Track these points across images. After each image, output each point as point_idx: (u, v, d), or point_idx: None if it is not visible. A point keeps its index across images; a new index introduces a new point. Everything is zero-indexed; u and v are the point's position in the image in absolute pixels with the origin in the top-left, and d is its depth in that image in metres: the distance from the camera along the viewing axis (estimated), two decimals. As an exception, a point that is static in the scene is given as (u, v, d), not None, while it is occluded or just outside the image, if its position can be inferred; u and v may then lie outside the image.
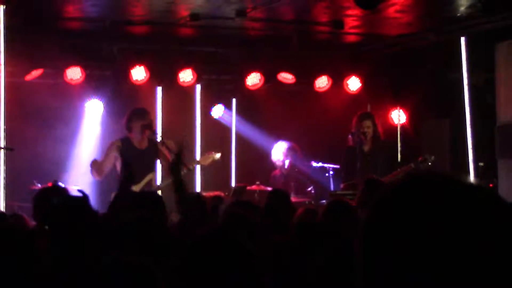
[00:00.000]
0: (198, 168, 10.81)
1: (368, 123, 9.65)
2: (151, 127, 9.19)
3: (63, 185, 8.57)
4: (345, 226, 4.94)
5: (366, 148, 9.63)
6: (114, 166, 9.03)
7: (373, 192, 1.37)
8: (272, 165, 10.52)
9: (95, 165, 8.94)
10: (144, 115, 9.15)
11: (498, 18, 9.36)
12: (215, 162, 9.51)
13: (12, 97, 8.82)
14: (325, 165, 10.16)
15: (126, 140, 9.14)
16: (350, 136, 9.64)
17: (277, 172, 10.45)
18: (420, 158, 9.40)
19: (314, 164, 10.24)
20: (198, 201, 6.09)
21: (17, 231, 3.14)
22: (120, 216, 4.82)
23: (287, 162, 10.38)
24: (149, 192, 8.07)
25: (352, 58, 11.51)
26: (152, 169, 9.18)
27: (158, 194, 5.92)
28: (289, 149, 10.38)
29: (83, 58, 10.28)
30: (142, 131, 9.11)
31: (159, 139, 9.10)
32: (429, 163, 9.27)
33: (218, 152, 9.48)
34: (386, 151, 9.77)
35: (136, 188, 8.86)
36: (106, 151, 9.27)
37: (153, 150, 9.14)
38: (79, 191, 4.60)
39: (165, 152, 8.90)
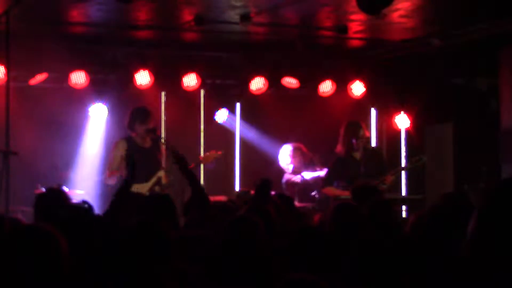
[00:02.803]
0: (202, 172, 10.83)
1: (364, 128, 9.70)
2: (155, 132, 9.21)
3: (67, 189, 8.61)
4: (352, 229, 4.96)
5: (357, 155, 9.59)
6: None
7: (364, 198, 1.42)
8: (280, 170, 10.51)
9: (114, 172, 9.04)
10: (147, 120, 9.14)
11: (501, 23, 9.35)
12: (217, 159, 9.60)
13: (16, 101, 8.82)
14: (329, 169, 10.13)
15: (130, 139, 9.17)
16: (354, 142, 9.56)
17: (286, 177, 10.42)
18: (414, 158, 9.69)
19: (318, 169, 10.23)
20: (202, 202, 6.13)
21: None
22: (123, 219, 4.82)
23: (290, 167, 10.37)
24: (160, 194, 8.09)
25: (356, 62, 11.51)
26: (159, 167, 9.19)
27: (169, 197, 5.90)
28: (295, 149, 10.39)
29: (87, 63, 10.29)
30: (145, 135, 9.14)
31: (163, 143, 9.14)
32: (423, 163, 9.58)
33: (219, 151, 9.60)
34: (376, 157, 9.76)
35: (146, 186, 8.91)
36: (112, 153, 9.29)
37: (157, 148, 9.19)
38: (83, 201, 4.58)
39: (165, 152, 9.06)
